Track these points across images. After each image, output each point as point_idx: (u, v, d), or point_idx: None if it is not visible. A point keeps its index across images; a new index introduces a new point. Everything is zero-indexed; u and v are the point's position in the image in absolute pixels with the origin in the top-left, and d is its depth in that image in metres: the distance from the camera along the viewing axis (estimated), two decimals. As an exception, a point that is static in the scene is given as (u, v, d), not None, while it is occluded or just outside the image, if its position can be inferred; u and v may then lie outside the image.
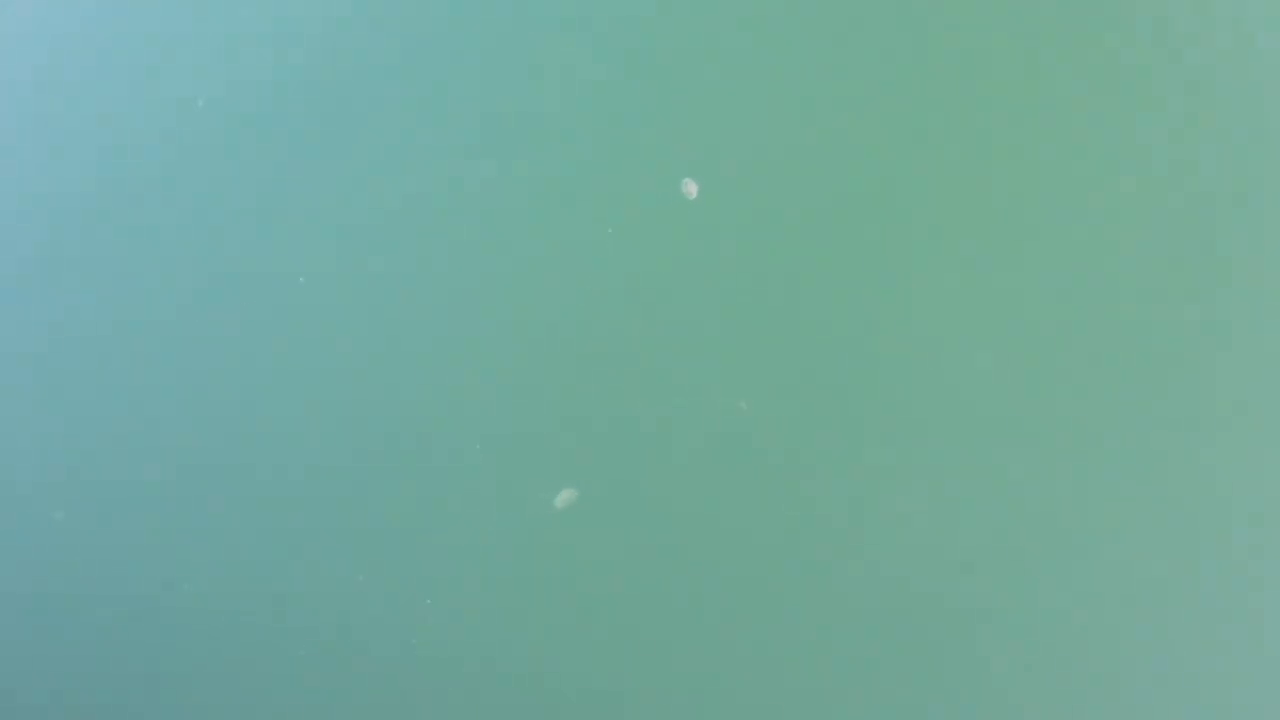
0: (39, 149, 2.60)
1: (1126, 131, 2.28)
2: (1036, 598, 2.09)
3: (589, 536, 2.19)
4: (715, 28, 2.44)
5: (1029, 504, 2.12)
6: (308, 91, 2.52)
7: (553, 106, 2.43)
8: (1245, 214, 2.21)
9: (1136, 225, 2.23)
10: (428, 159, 2.44)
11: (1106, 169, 2.26)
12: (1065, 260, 2.22)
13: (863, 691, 2.10)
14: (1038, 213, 2.26)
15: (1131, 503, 2.11)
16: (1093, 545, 2.10)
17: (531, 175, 2.39)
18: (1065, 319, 2.19)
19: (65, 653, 2.30)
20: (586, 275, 2.32)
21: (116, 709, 2.27)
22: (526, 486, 2.22)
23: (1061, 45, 2.35)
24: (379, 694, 2.19)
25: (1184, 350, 2.17)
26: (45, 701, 2.29)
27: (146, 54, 2.62)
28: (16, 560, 2.37)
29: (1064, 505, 2.11)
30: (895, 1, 2.41)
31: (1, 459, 2.42)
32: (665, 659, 2.15)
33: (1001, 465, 2.14)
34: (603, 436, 2.23)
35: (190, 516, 2.30)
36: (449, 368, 2.32)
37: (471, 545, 2.22)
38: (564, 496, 2.20)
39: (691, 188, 2.31)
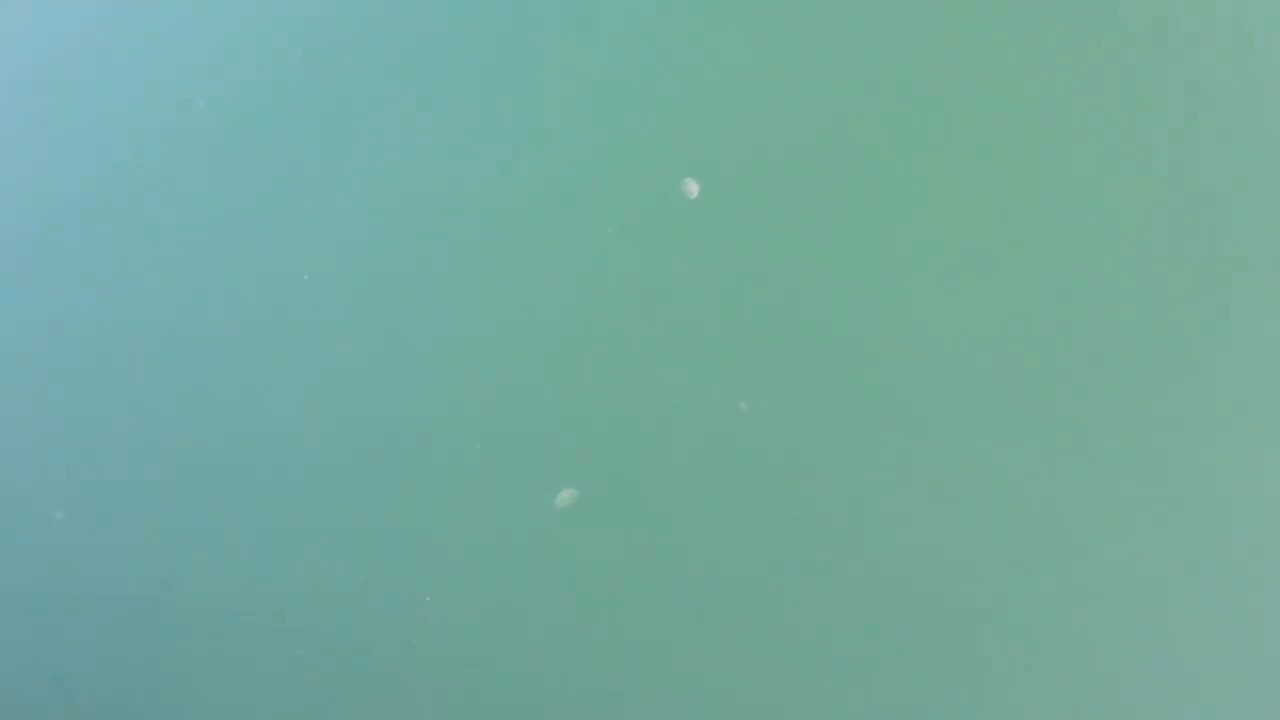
0: (39, 149, 2.60)
1: (1126, 131, 2.28)
2: (1036, 598, 2.09)
3: (589, 536, 2.19)
4: (716, 28, 2.44)
5: (1029, 504, 2.12)
6: (308, 91, 2.52)
7: (553, 106, 2.43)
8: (1245, 214, 2.21)
9: (1136, 225, 2.23)
10: (428, 159, 2.44)
11: (1106, 169, 2.27)
12: (1065, 260, 2.22)
13: (863, 691, 2.10)
14: (1038, 213, 2.26)
15: (1131, 503, 2.10)
16: (1093, 545, 2.10)
17: (532, 175, 2.39)
18: (1065, 319, 2.19)
19: (65, 653, 2.30)
20: (587, 275, 2.32)
21: (116, 709, 2.27)
22: (526, 486, 2.22)
23: (1061, 46, 2.35)
24: (379, 694, 2.19)
25: (1184, 350, 2.17)
26: (45, 701, 2.28)
27: (147, 54, 2.63)
28: (16, 560, 2.37)
29: (1064, 505, 2.11)
30: (896, 2, 2.41)
31: (1, 459, 2.42)
32: (665, 659, 2.14)
33: (1001, 465, 2.14)
34: (603, 437, 2.23)
35: (190, 516, 2.30)
36: (449, 368, 2.32)
37: (471, 545, 2.21)
38: (564, 496, 2.20)
39: (692, 187, 2.31)
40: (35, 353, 2.46)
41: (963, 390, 2.17)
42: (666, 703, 2.13)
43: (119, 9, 2.67)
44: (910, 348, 2.21)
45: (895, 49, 2.38)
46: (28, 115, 2.63)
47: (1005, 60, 2.36)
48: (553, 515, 2.20)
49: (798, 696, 2.10)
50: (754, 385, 2.22)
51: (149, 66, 2.60)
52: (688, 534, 2.18)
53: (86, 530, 2.33)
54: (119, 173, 2.53)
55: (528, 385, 2.27)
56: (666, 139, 2.37)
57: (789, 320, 2.25)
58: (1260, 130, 2.25)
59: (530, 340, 2.30)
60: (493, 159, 2.41)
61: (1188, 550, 2.08)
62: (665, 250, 2.31)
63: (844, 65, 2.39)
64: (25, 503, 2.37)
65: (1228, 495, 2.10)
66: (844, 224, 2.31)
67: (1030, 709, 2.07)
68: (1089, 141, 2.28)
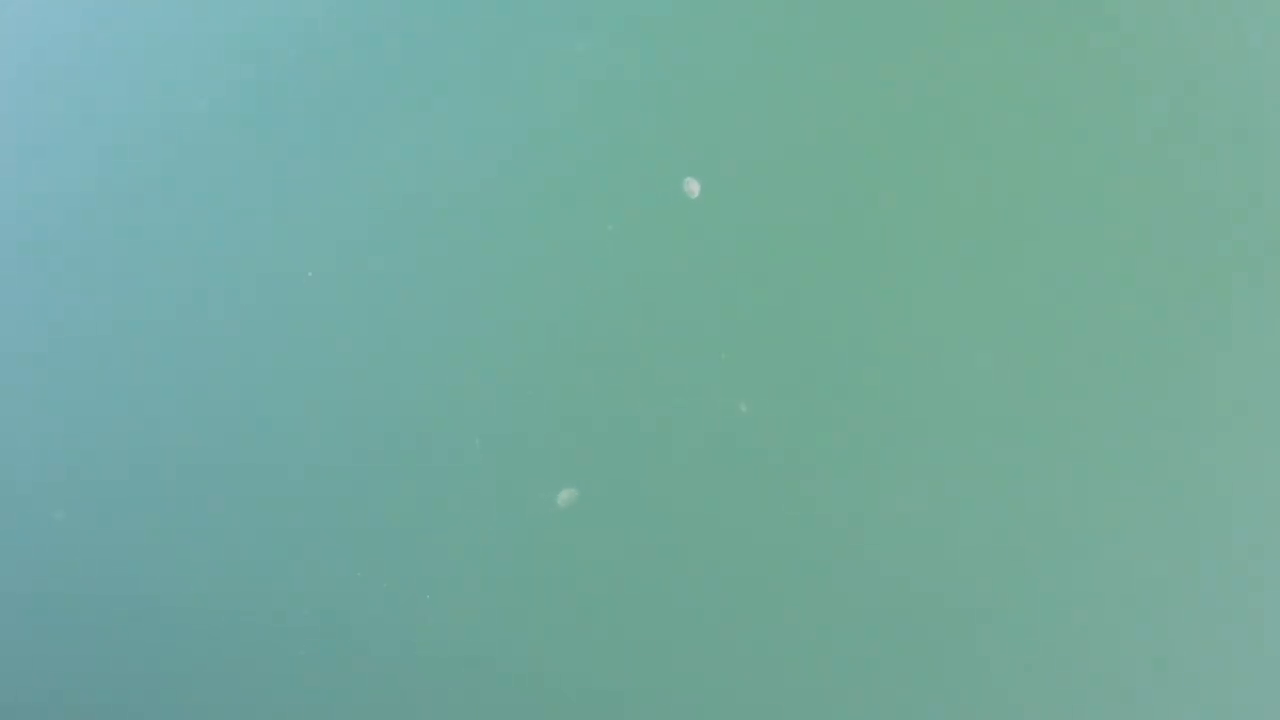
0: (39, 149, 2.60)
1: (1126, 131, 2.28)
2: (1036, 598, 2.09)
3: (589, 536, 2.19)
4: (717, 27, 2.44)
5: (1029, 504, 2.12)
6: (307, 91, 2.52)
7: (554, 105, 2.43)
8: (1245, 214, 2.21)
9: (1136, 225, 2.23)
10: (428, 159, 2.44)
11: (1106, 169, 2.27)
12: (1065, 260, 2.22)
13: (863, 691, 2.10)
14: (1038, 213, 2.26)
15: (1131, 503, 2.10)
16: (1093, 545, 2.10)
17: (532, 175, 2.39)
18: (1065, 319, 2.19)
19: (65, 653, 2.30)
20: (587, 275, 2.32)
21: (116, 709, 2.27)
22: (527, 486, 2.22)
23: (1062, 46, 2.35)
24: (379, 694, 2.19)
25: (1184, 350, 2.17)
26: (45, 701, 2.28)
27: (147, 54, 2.62)
28: (16, 560, 2.37)
29: (1064, 505, 2.11)
30: (897, 3, 2.41)
31: (1, 459, 2.42)
32: (665, 659, 2.14)
33: (1001, 465, 2.14)
34: (603, 437, 2.23)
35: (190, 516, 2.30)
36: (449, 368, 2.32)
37: (472, 545, 2.21)
38: (565, 496, 2.20)
39: (694, 187, 2.31)
40: (35, 353, 2.46)
41: (963, 390, 2.17)
42: (666, 703, 2.13)
43: (119, 9, 2.67)
44: (910, 348, 2.21)
45: (896, 50, 2.38)
46: (28, 115, 2.63)
47: (1005, 61, 2.36)
48: (553, 515, 2.20)
49: (798, 696, 2.10)
50: (754, 385, 2.22)
51: (149, 66, 2.60)
52: (688, 534, 2.18)
53: (86, 530, 2.33)
54: (119, 173, 2.53)
55: (528, 385, 2.27)
56: (667, 138, 2.37)
57: (789, 321, 2.25)
58: (1260, 130, 2.25)
59: (530, 340, 2.30)
60: (493, 159, 2.41)
61: (1188, 550, 2.08)
62: (666, 250, 2.31)
63: (845, 65, 2.39)
64: (25, 503, 2.37)
65: (1228, 495, 2.10)
66: (845, 224, 2.31)
67: (1030, 709, 2.07)
68: (1089, 141, 2.28)
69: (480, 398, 2.28)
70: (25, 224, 2.55)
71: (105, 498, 2.34)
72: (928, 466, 2.15)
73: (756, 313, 2.26)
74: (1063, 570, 2.09)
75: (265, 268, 2.42)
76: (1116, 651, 2.06)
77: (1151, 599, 2.07)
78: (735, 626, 2.13)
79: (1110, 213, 2.24)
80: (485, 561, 2.21)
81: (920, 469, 2.15)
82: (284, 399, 2.33)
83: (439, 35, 2.52)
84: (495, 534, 2.21)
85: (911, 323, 2.22)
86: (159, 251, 2.47)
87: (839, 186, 2.32)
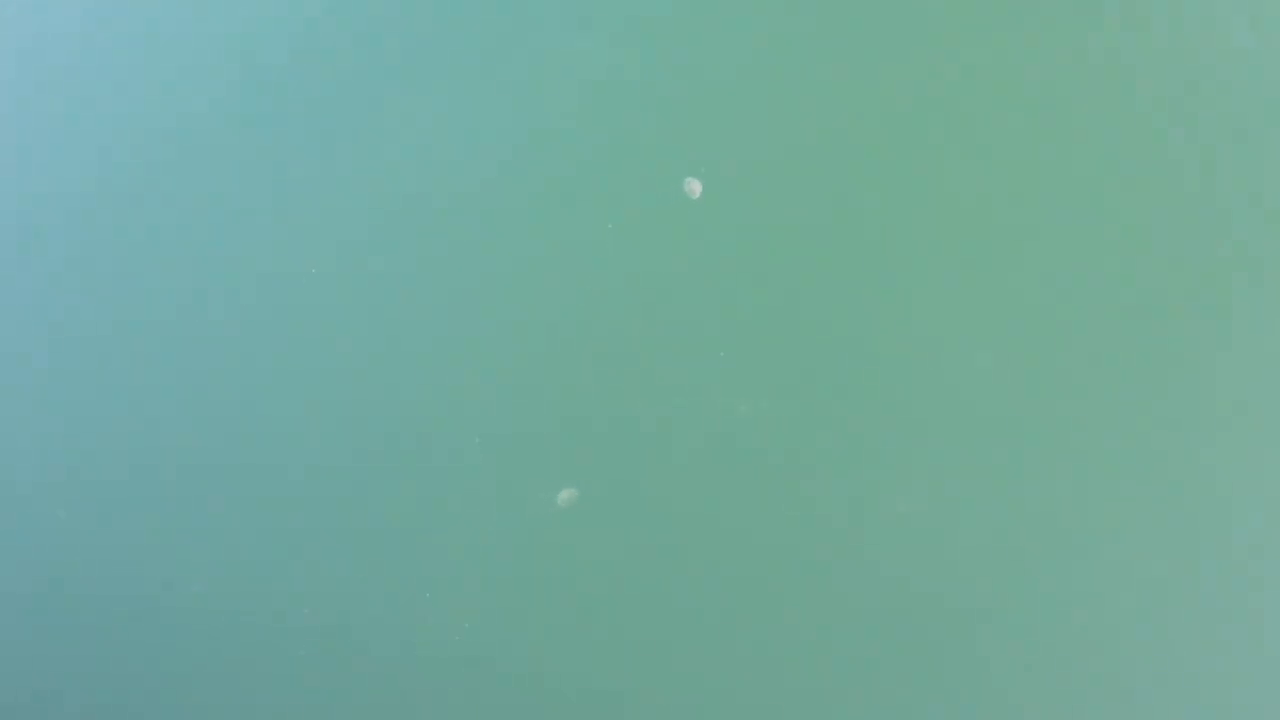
0: (39, 149, 2.60)
1: (1127, 132, 2.28)
2: (1036, 598, 2.09)
3: (589, 536, 2.19)
4: (718, 28, 2.44)
5: (1029, 504, 2.12)
6: (308, 91, 2.52)
7: (555, 106, 2.43)
8: (1245, 214, 2.21)
9: (1136, 225, 2.23)
10: (429, 159, 2.44)
11: (1106, 170, 2.26)
12: (1065, 261, 2.22)
13: (863, 691, 2.10)
14: (1038, 214, 2.26)
15: (1131, 503, 2.10)
16: (1093, 545, 2.10)
17: (533, 175, 2.39)
18: (1065, 319, 2.19)
19: (65, 653, 2.30)
20: (588, 275, 2.32)
21: (116, 709, 2.27)
22: (527, 486, 2.22)
23: (1062, 47, 2.34)
24: (379, 694, 2.19)
25: (1184, 350, 2.17)
26: (45, 701, 2.28)
27: (148, 54, 2.62)
28: (16, 560, 2.37)
29: (1064, 505, 2.11)
30: (898, 3, 2.41)
31: (2, 459, 2.42)
32: (665, 659, 2.15)
33: (1001, 465, 2.14)
34: (603, 437, 2.23)
35: (190, 516, 2.30)
36: (449, 368, 2.32)
37: (472, 544, 2.21)
38: (565, 496, 2.20)
39: (695, 187, 2.31)
40: (35, 353, 2.46)
41: (963, 390, 2.17)
42: (666, 703, 2.13)
43: (119, 9, 2.67)
44: (911, 348, 2.21)
45: (897, 50, 2.38)
46: (27, 115, 2.63)
47: (1005, 61, 2.36)
48: (553, 515, 2.20)
49: (798, 696, 2.10)
50: (755, 385, 2.22)
51: (149, 66, 2.60)
52: (688, 534, 2.18)
53: (87, 530, 2.33)
54: (119, 173, 2.53)
55: (528, 385, 2.27)
56: (667, 138, 2.37)
57: (790, 321, 2.25)
58: (1260, 130, 2.25)
59: (530, 340, 2.30)
60: (494, 159, 2.41)
61: (1188, 550, 2.08)
62: (667, 250, 2.31)
63: (846, 66, 2.39)
64: (26, 503, 2.37)
65: (1228, 495, 2.10)
66: (846, 225, 2.31)
67: (1030, 709, 2.07)
68: (1089, 142, 2.28)
69: (480, 398, 2.28)
70: (25, 224, 2.55)
71: (105, 498, 2.34)
72: (928, 466, 2.15)
73: (757, 313, 2.26)
74: (1063, 570, 2.09)
75: (265, 268, 2.41)
76: (1116, 651, 2.06)
77: (1151, 599, 2.07)
78: (735, 626, 2.13)
79: (1110, 213, 2.24)
80: (485, 561, 2.21)
81: (920, 469, 2.15)
82: (284, 399, 2.33)
83: (439, 35, 2.52)
84: (495, 534, 2.21)
85: (912, 323, 2.22)
86: (159, 251, 2.47)
87: (840, 187, 2.32)
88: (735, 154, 2.34)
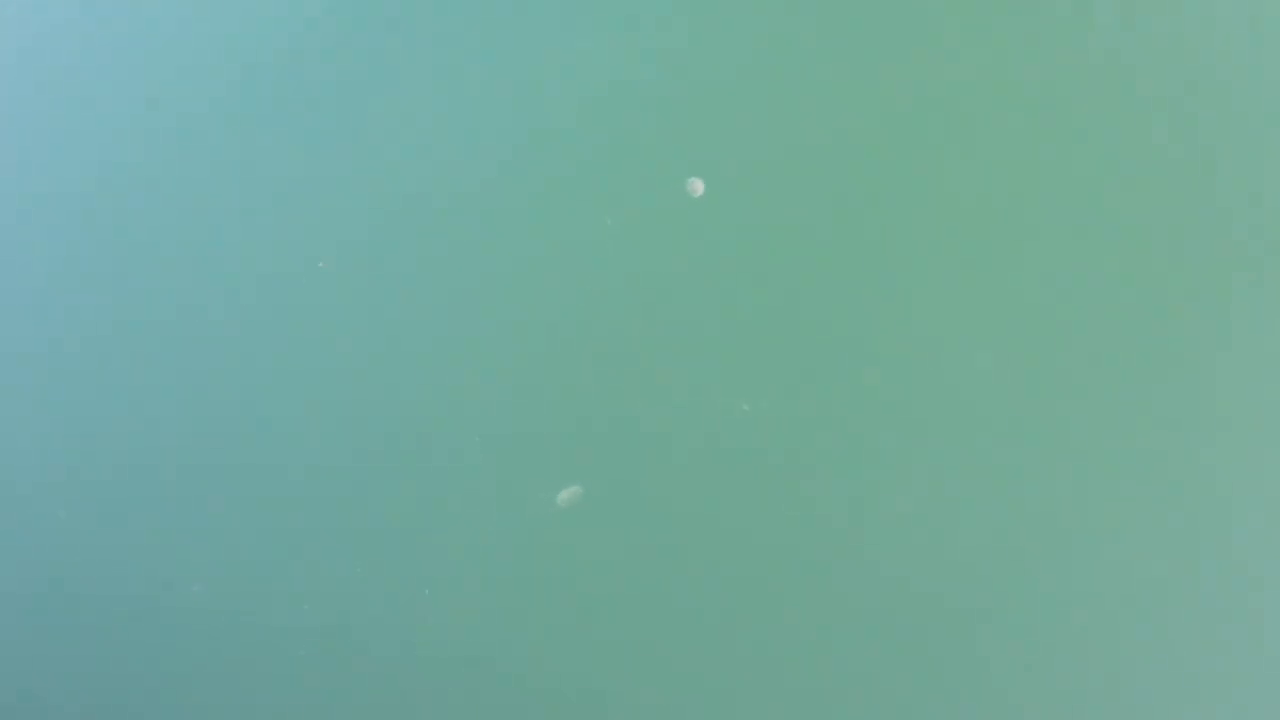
0: (39, 149, 2.60)
1: (1126, 131, 2.28)
2: (1036, 598, 2.09)
3: (590, 536, 2.19)
4: (721, 26, 2.44)
5: (1029, 504, 2.12)
6: (307, 91, 2.52)
7: (556, 104, 2.43)
8: (1245, 214, 2.21)
9: (1136, 225, 2.23)
10: (429, 158, 2.44)
11: (1106, 169, 2.26)
12: (1065, 261, 2.22)
13: (863, 691, 2.10)
14: (1039, 213, 2.26)
15: (1131, 503, 2.10)
16: (1093, 545, 2.10)
17: (534, 174, 2.39)
18: (1065, 319, 2.19)
19: (65, 653, 2.30)
20: (590, 274, 2.32)
21: (116, 709, 2.27)
22: (527, 486, 2.22)
23: (1062, 46, 2.35)
24: (379, 694, 2.19)
25: (1184, 350, 2.17)
26: (46, 701, 2.28)
27: (148, 53, 2.62)
28: (17, 560, 2.37)
29: (1064, 505, 2.11)
30: (899, 2, 2.41)
31: (3, 459, 2.42)
32: (665, 659, 2.14)
33: (1001, 465, 2.14)
34: (604, 436, 2.23)
35: (190, 516, 2.30)
36: (449, 368, 2.32)
37: (471, 545, 2.21)
38: (566, 495, 2.20)
39: (697, 186, 2.31)
40: (35, 353, 2.46)
41: (963, 390, 2.17)
42: (667, 703, 2.13)
43: (119, 9, 2.67)
44: (911, 348, 2.21)
45: (898, 49, 2.38)
46: (28, 115, 2.63)
47: (1006, 61, 2.36)
48: (553, 515, 2.20)
49: (798, 696, 2.10)
50: (756, 385, 2.22)
51: (149, 66, 2.60)
52: (688, 534, 2.18)
53: (87, 530, 2.33)
54: (119, 173, 2.53)
55: (528, 385, 2.27)
56: (671, 138, 2.37)
57: (792, 320, 2.25)
58: (1260, 130, 2.25)
59: (531, 340, 2.30)
60: (494, 158, 2.41)
61: (1188, 550, 2.08)
62: (669, 249, 2.31)
63: (848, 66, 2.39)
64: (26, 503, 2.37)
65: (1228, 495, 2.10)
66: (848, 224, 2.31)
67: (1030, 709, 2.07)
68: (1089, 142, 2.28)
69: (480, 398, 2.28)
70: (25, 224, 2.54)
71: (105, 498, 2.34)
72: (928, 466, 2.15)
73: (759, 312, 2.26)
74: (1063, 570, 2.09)
75: (265, 267, 2.41)
76: (1116, 651, 2.06)
77: (1151, 599, 2.07)
78: (735, 626, 2.13)
79: (1110, 213, 2.24)
80: (485, 561, 2.21)
81: (920, 469, 2.15)
82: (284, 399, 2.33)
83: (440, 34, 2.52)
84: (495, 534, 2.21)
85: (912, 322, 2.22)
86: (159, 251, 2.47)
87: (842, 187, 2.32)
88: (735, 153, 2.35)
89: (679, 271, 2.29)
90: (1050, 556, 2.10)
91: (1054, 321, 2.19)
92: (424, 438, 2.28)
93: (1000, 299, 2.22)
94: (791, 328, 2.25)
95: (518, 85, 2.44)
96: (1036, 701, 2.07)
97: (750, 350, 2.24)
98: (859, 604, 2.12)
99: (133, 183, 2.52)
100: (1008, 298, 2.22)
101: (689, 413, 2.22)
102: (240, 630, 2.24)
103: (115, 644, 2.29)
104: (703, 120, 2.38)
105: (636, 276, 2.31)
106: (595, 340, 2.30)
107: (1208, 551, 2.08)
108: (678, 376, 2.24)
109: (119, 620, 2.29)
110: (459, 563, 2.21)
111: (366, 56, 2.52)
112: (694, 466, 2.19)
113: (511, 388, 2.28)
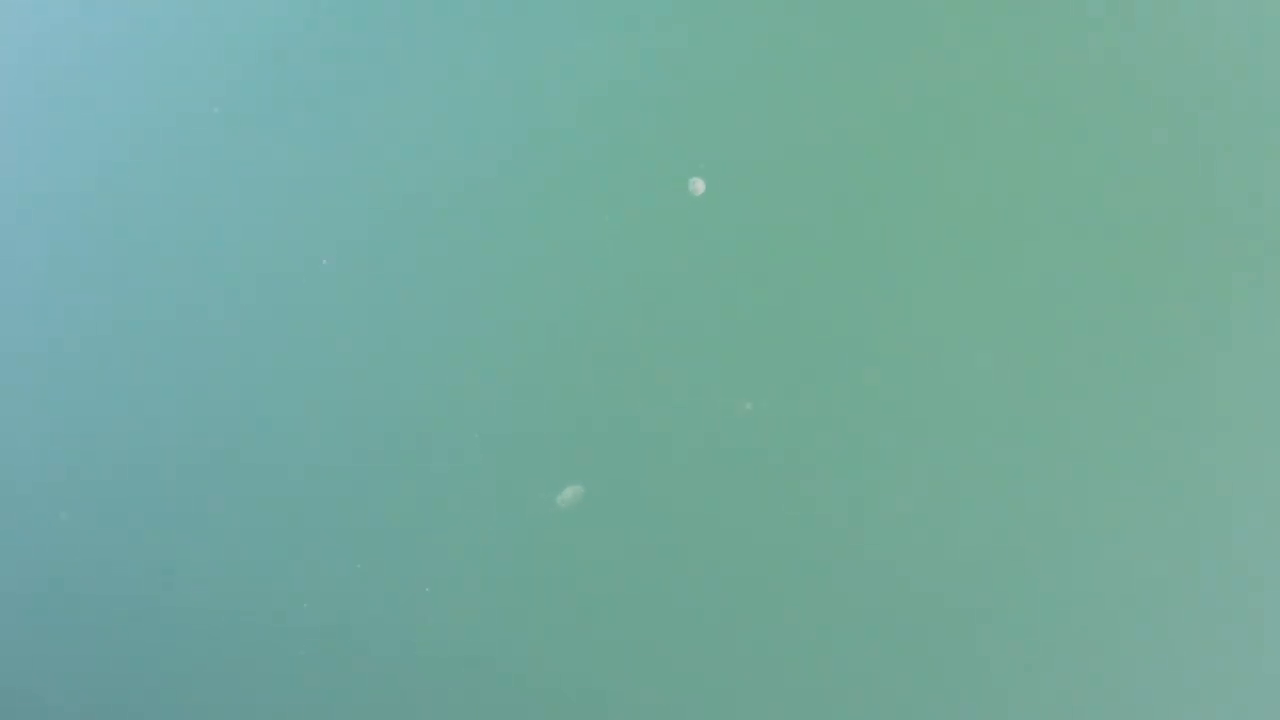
0: (39, 149, 2.60)
1: (1126, 131, 2.28)
2: (1036, 598, 2.09)
3: (590, 536, 2.19)
4: (722, 26, 2.44)
5: (1029, 504, 2.12)
6: (307, 90, 2.52)
7: (557, 104, 2.43)
8: (1245, 214, 2.21)
9: (1136, 225, 2.23)
10: (429, 158, 2.44)
11: (1106, 169, 2.27)
12: (1065, 260, 2.22)
13: (863, 691, 2.10)
14: (1039, 213, 2.26)
15: (1131, 503, 2.10)
16: (1093, 545, 2.10)
17: (535, 173, 2.39)
18: (1065, 319, 2.19)
19: (65, 653, 2.30)
20: (590, 274, 2.32)
21: (116, 709, 2.27)
22: (527, 486, 2.22)
23: (1062, 46, 2.35)
24: (379, 694, 2.18)
25: (1184, 350, 2.17)
26: (46, 701, 2.28)
27: (149, 53, 2.62)
28: (17, 560, 2.37)
29: (1064, 505, 2.11)
30: (899, 2, 2.41)
31: (3, 459, 2.42)
32: (665, 659, 2.14)
33: (1001, 465, 2.14)
34: (604, 436, 2.23)
35: (190, 516, 2.30)
36: (449, 368, 2.32)
37: (471, 545, 2.21)
38: (567, 494, 2.20)
39: (699, 185, 2.31)
40: (35, 353, 2.46)
41: (963, 390, 2.17)
42: (667, 703, 2.13)
43: (120, 8, 2.67)
44: (912, 348, 2.21)
45: (899, 50, 2.38)
46: (28, 115, 2.63)
47: (1006, 61, 2.36)
48: (553, 515, 2.20)
49: (798, 696, 2.10)
50: (757, 385, 2.22)
51: (150, 66, 2.60)
52: (689, 534, 2.18)
53: (87, 530, 2.33)
54: (119, 173, 2.53)
55: (528, 385, 2.27)
56: (672, 137, 2.37)
57: (792, 320, 2.25)
58: (1260, 130, 2.25)
59: (531, 340, 2.30)
60: (495, 157, 2.41)
61: (1188, 550, 2.08)
62: (670, 249, 2.31)
63: (849, 66, 2.39)
64: (26, 503, 2.37)
65: (1228, 495, 2.10)
66: (848, 224, 2.31)
67: (1030, 709, 2.07)
68: (1089, 141, 2.28)
69: (480, 398, 2.28)
70: (25, 224, 2.54)
71: (105, 498, 2.34)
72: (928, 466, 2.15)
73: (760, 312, 2.26)
74: (1063, 570, 2.09)
75: (265, 267, 2.42)
76: (1116, 651, 2.06)
77: (1151, 599, 2.07)
78: (735, 626, 2.13)
79: (1110, 213, 2.24)
80: (485, 561, 2.21)
81: (920, 469, 2.15)
82: (284, 399, 2.33)
83: (440, 34, 2.52)
84: (495, 534, 2.21)
85: (913, 322, 2.22)
86: (159, 251, 2.47)
87: (843, 186, 2.32)
88: (736, 153, 2.35)
89: (680, 271, 2.29)
90: (1050, 556, 2.10)
91: (1054, 321, 2.20)
92: (424, 437, 2.28)
93: (1001, 299, 2.22)
94: (792, 327, 2.25)
95: (518, 85, 2.44)
96: (1036, 701, 2.07)
97: (750, 350, 2.24)
98: (859, 604, 2.12)
99: (133, 182, 2.52)
100: (1008, 298, 2.22)
101: (689, 413, 2.22)
102: (240, 630, 2.24)
103: (115, 644, 2.28)
104: (703, 120, 2.38)
105: (637, 276, 2.31)
106: (596, 340, 2.30)
107: (1208, 551, 2.08)
108: (678, 376, 2.24)
109: (119, 620, 2.29)
110: (459, 563, 2.21)
111: (367, 56, 2.52)
112: (694, 466, 2.19)
113: (512, 387, 2.28)
